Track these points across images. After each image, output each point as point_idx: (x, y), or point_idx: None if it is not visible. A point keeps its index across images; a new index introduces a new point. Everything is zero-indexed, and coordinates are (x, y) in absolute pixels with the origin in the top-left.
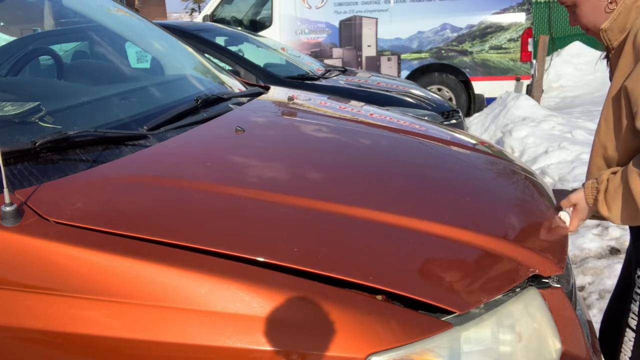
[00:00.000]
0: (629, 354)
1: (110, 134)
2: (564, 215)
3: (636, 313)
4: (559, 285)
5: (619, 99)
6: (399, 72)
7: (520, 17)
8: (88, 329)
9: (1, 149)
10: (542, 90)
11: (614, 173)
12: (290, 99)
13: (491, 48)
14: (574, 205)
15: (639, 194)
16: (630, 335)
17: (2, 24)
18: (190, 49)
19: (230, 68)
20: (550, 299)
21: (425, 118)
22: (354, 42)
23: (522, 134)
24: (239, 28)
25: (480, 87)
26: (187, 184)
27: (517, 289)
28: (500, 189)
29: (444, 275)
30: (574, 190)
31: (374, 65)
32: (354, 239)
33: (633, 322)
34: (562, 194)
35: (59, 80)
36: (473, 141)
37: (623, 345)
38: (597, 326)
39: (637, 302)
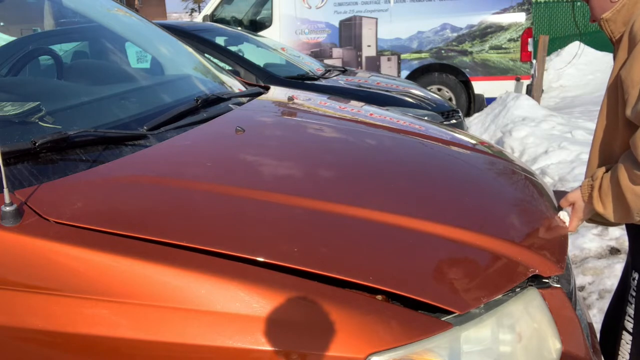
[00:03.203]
0: (627, 356)
1: (110, 134)
2: (563, 215)
3: (632, 316)
4: (559, 285)
5: (615, 90)
6: (399, 72)
7: (520, 17)
8: (88, 329)
9: (1, 149)
10: (542, 90)
11: (609, 170)
12: (290, 99)
13: (491, 48)
14: (572, 204)
15: (627, 190)
16: (627, 338)
17: (2, 24)
18: (190, 49)
19: (230, 68)
20: (550, 299)
21: (425, 118)
22: (354, 42)
23: (522, 134)
24: (239, 28)
25: (480, 87)
26: (187, 184)
27: (517, 289)
28: (500, 189)
29: (443, 276)
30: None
31: (374, 65)
32: (354, 239)
33: (629, 325)
34: (562, 194)
35: (59, 80)
36: (473, 141)
37: (620, 348)
38: (597, 326)
39: (633, 305)
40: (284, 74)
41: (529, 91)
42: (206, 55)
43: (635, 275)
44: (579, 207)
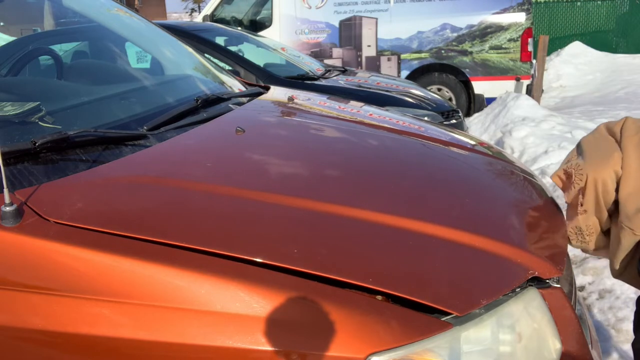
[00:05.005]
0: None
1: (110, 134)
2: None
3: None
4: (558, 286)
5: None
6: (399, 72)
7: (520, 17)
8: (88, 329)
9: (1, 149)
10: (542, 90)
11: None
12: (290, 99)
13: (491, 48)
14: None
15: None
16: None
17: (2, 24)
18: (190, 49)
19: (230, 68)
20: (550, 299)
21: (425, 118)
22: (354, 42)
23: (522, 134)
24: (239, 28)
25: (480, 87)
26: (187, 185)
27: (517, 289)
28: (500, 191)
29: (443, 277)
30: None
31: (374, 65)
32: (354, 240)
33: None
34: None
35: (59, 80)
36: (472, 142)
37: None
38: (597, 326)
39: (636, 306)
40: (284, 74)
41: (529, 91)
42: (206, 55)
43: None
44: None
